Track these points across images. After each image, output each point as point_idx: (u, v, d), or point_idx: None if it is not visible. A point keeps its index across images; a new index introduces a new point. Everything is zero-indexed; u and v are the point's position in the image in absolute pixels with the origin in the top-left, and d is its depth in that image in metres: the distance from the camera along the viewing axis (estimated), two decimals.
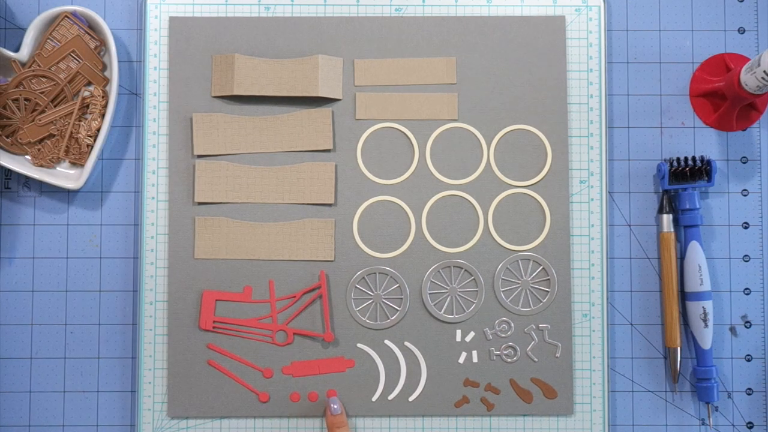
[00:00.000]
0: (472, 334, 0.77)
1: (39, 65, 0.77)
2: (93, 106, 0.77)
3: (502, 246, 0.78)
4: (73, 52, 0.77)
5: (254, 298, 0.77)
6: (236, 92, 0.77)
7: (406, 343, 0.77)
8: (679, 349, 0.77)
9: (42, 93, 0.77)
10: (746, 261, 0.79)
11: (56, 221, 0.79)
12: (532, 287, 0.78)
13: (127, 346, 0.78)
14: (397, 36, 0.78)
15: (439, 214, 0.78)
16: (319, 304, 0.77)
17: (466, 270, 0.78)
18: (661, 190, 0.79)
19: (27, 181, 0.79)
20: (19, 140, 0.77)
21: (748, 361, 0.79)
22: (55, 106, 0.78)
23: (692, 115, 0.80)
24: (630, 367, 0.78)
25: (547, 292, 0.77)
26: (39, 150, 0.78)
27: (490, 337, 0.77)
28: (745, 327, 0.79)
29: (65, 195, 0.79)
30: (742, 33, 0.80)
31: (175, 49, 0.78)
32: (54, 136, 0.78)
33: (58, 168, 0.78)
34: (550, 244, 0.78)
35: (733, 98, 0.76)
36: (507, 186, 0.78)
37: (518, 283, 0.78)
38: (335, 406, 0.74)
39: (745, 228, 0.79)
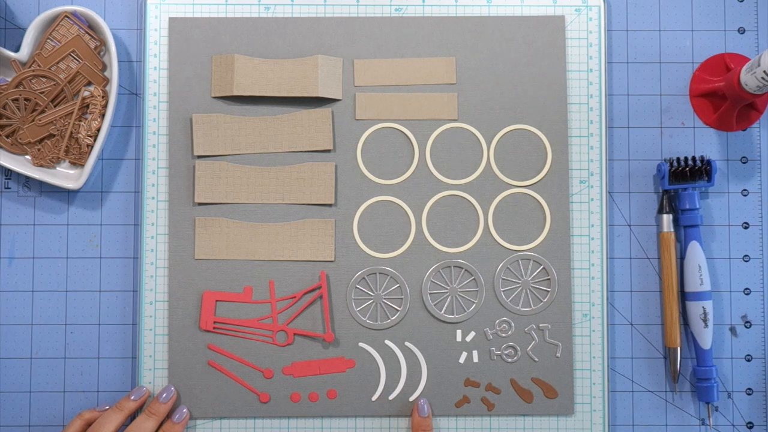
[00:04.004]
0: (472, 334, 0.77)
1: (39, 65, 0.77)
2: (93, 106, 0.77)
3: (502, 246, 0.78)
4: (73, 52, 0.77)
5: (255, 299, 0.77)
6: (236, 93, 0.77)
7: (407, 343, 0.77)
8: (679, 349, 0.77)
9: (42, 93, 0.77)
10: (746, 261, 0.79)
11: (56, 221, 0.79)
12: (532, 287, 0.78)
13: (127, 346, 0.78)
14: (397, 36, 0.78)
15: (439, 214, 0.78)
16: (320, 305, 0.77)
17: (466, 270, 0.78)
18: (661, 190, 0.79)
19: (27, 181, 0.79)
20: (19, 140, 0.77)
21: (748, 361, 0.79)
22: (55, 106, 0.77)
23: (692, 115, 0.80)
24: (630, 367, 0.78)
25: (548, 292, 0.77)
26: (39, 150, 0.78)
27: (491, 337, 0.77)
28: (745, 327, 0.79)
29: (65, 195, 0.79)
30: (742, 33, 0.80)
31: (174, 50, 0.78)
32: (54, 136, 0.78)
33: (58, 168, 0.78)
34: (550, 244, 0.78)
35: (733, 98, 0.76)
36: (507, 186, 0.78)
37: (518, 283, 0.78)
38: (425, 406, 0.74)
39: (745, 228, 0.79)
